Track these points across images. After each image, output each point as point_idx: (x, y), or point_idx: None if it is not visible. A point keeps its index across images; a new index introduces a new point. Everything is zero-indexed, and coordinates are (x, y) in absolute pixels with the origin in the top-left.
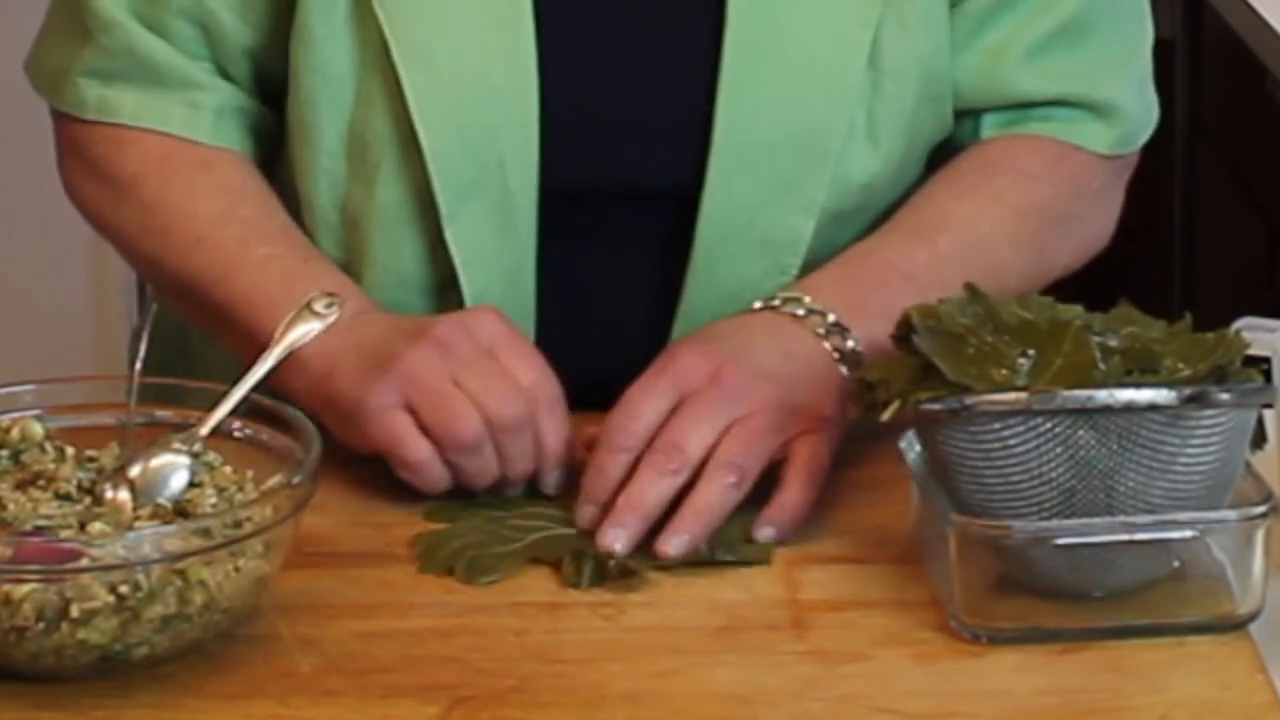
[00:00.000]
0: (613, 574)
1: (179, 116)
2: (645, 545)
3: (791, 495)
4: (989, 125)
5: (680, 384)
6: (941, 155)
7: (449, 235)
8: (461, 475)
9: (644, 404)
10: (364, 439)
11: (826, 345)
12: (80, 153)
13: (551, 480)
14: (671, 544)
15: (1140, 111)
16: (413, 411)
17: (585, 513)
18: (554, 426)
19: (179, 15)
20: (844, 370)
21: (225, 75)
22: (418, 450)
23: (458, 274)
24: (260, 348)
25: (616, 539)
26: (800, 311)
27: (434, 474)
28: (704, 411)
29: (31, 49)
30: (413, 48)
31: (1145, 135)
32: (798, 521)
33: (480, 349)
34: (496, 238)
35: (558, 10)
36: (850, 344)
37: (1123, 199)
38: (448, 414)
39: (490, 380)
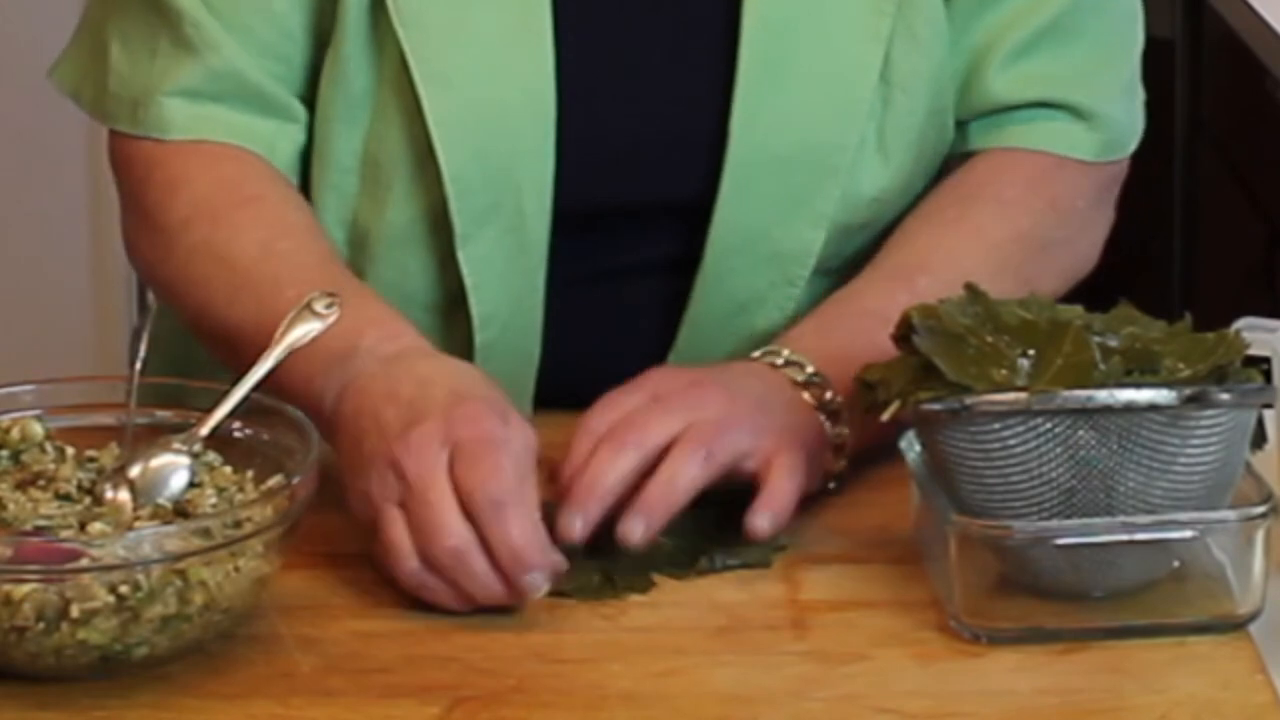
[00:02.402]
0: (619, 588)
1: (267, 140)
2: (645, 559)
3: (778, 483)
4: (975, 133)
5: (657, 387)
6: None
7: (461, 256)
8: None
9: (620, 399)
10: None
11: (805, 395)
12: (135, 202)
13: (534, 584)
14: (629, 526)
15: (1127, 118)
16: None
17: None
18: (516, 525)
19: (267, 53)
20: (822, 418)
21: (313, 111)
22: (419, 578)
23: (467, 294)
24: (298, 403)
25: (572, 524)
26: (779, 362)
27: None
28: (674, 405)
29: (71, 67)
30: (433, 68)
31: (1133, 143)
32: (788, 510)
33: (434, 464)
34: (508, 259)
35: (576, 32)
36: (829, 394)
37: (1111, 219)
38: (381, 534)
39: (426, 496)
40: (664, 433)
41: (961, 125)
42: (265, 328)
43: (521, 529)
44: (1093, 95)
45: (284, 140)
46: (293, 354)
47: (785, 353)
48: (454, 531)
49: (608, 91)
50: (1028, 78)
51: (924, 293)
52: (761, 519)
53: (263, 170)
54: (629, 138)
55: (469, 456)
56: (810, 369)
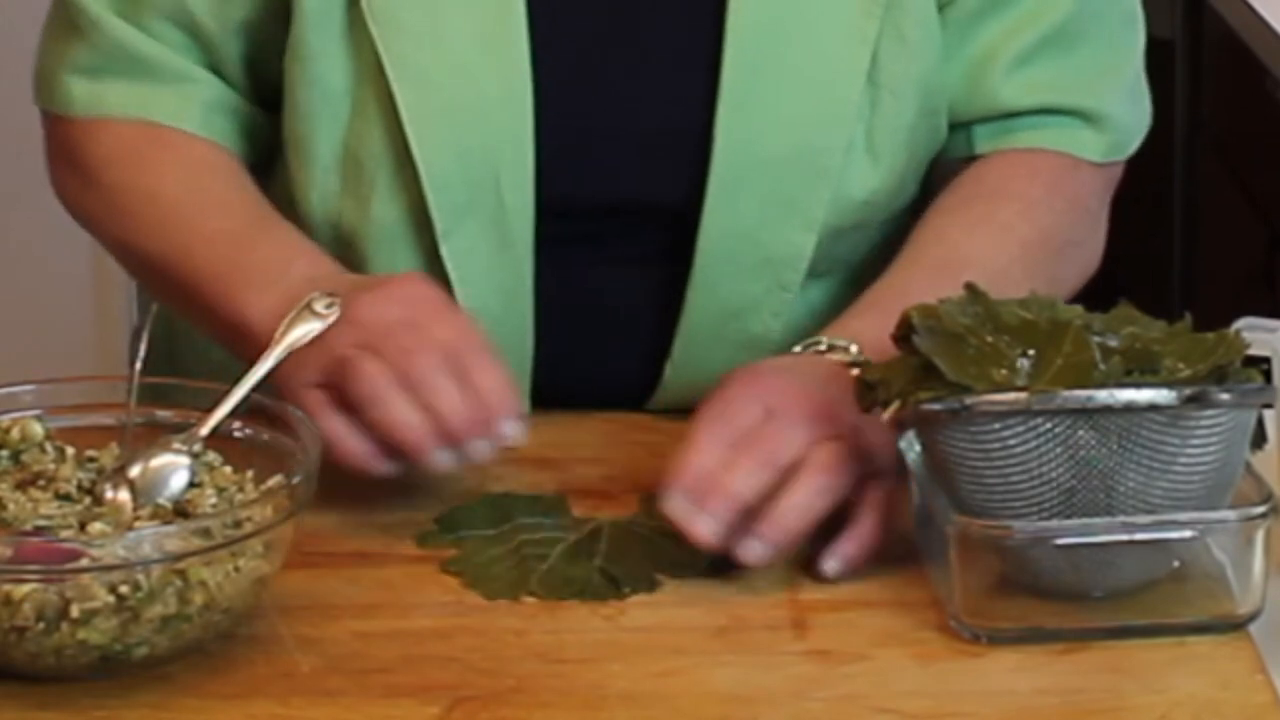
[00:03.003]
0: (619, 588)
1: (168, 107)
2: (647, 560)
3: (867, 527)
4: (980, 137)
5: (768, 399)
6: (935, 168)
7: (445, 252)
8: (383, 432)
9: (738, 406)
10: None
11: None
12: (60, 145)
13: (509, 431)
14: (750, 549)
15: (1132, 118)
16: (327, 387)
17: (677, 503)
18: (485, 370)
19: (163, 18)
20: None
21: (220, 77)
22: (328, 422)
23: (454, 290)
24: (221, 324)
25: (708, 527)
26: (848, 359)
27: (352, 446)
28: (797, 421)
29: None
30: (407, 65)
31: (1137, 142)
32: (865, 556)
33: (396, 319)
34: (493, 255)
35: (552, 26)
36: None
37: (1108, 218)
38: (348, 374)
39: (395, 338)
40: (793, 451)
41: (966, 129)
42: (187, 252)
43: (502, 376)
44: (1098, 99)
45: (187, 103)
46: (210, 276)
47: (854, 350)
48: (430, 355)
49: (586, 89)
50: (1034, 84)
51: None
52: (830, 564)
53: (180, 126)
54: (610, 136)
55: (435, 311)
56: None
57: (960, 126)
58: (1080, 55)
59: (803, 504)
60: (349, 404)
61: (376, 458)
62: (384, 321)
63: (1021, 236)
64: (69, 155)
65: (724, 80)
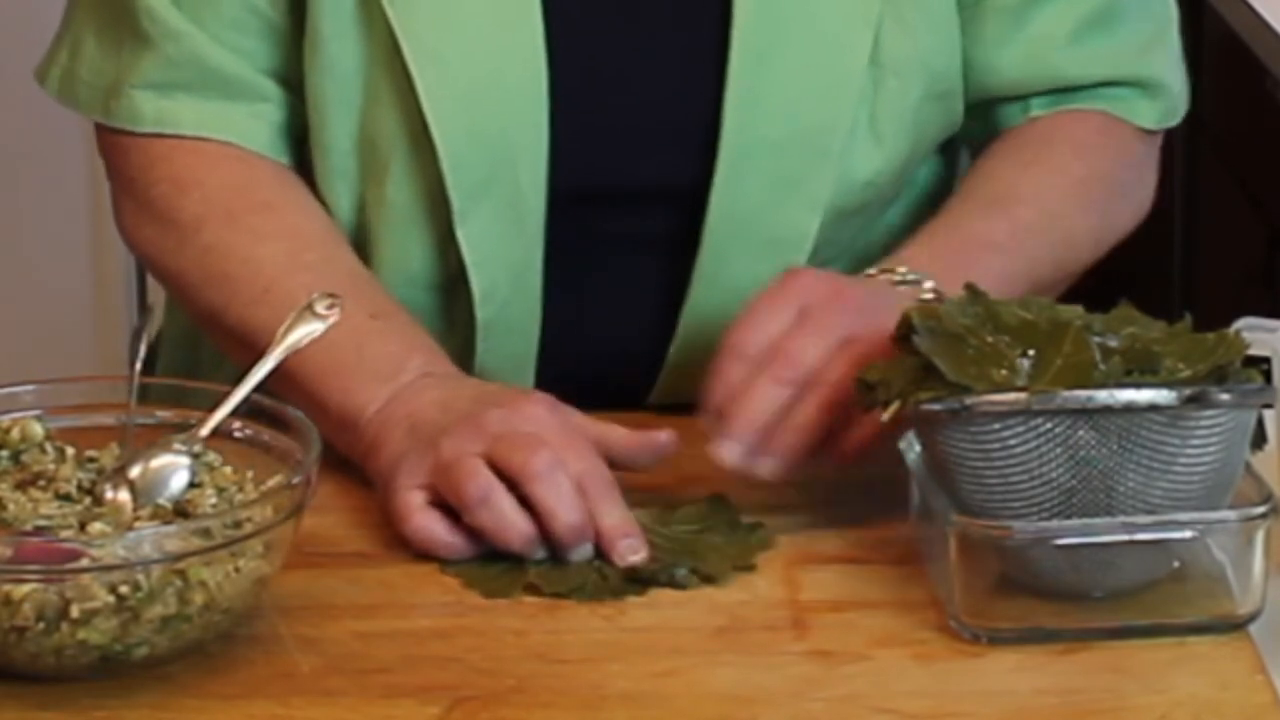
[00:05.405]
0: (618, 588)
1: (239, 126)
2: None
3: (858, 433)
4: (1036, 108)
5: (802, 298)
6: (985, 141)
7: (460, 234)
8: (488, 537)
9: (766, 316)
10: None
11: None
12: (136, 194)
13: (626, 549)
14: (762, 466)
15: (1179, 85)
16: (432, 489)
17: (708, 421)
18: (609, 507)
19: (233, 28)
20: None
21: (288, 85)
22: (421, 520)
23: (467, 272)
24: (326, 418)
25: (731, 452)
26: (896, 278)
27: (447, 547)
28: (824, 324)
29: (52, 64)
30: (423, 47)
31: (1184, 108)
32: (851, 460)
33: (520, 432)
34: (506, 236)
35: (565, 9)
36: None
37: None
38: (457, 476)
39: (515, 441)
40: (816, 358)
41: (1023, 101)
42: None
43: (623, 510)
44: (1152, 67)
45: (258, 123)
46: (326, 370)
47: (902, 270)
48: (543, 451)
49: (600, 71)
50: (1093, 56)
51: (1023, 221)
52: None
53: (269, 173)
54: (623, 118)
55: (568, 440)
56: (929, 284)
57: (1015, 100)
58: (1127, 28)
59: (805, 423)
60: (447, 502)
61: (468, 550)
62: (504, 430)
63: (1076, 175)
64: (151, 208)
65: (732, 63)
